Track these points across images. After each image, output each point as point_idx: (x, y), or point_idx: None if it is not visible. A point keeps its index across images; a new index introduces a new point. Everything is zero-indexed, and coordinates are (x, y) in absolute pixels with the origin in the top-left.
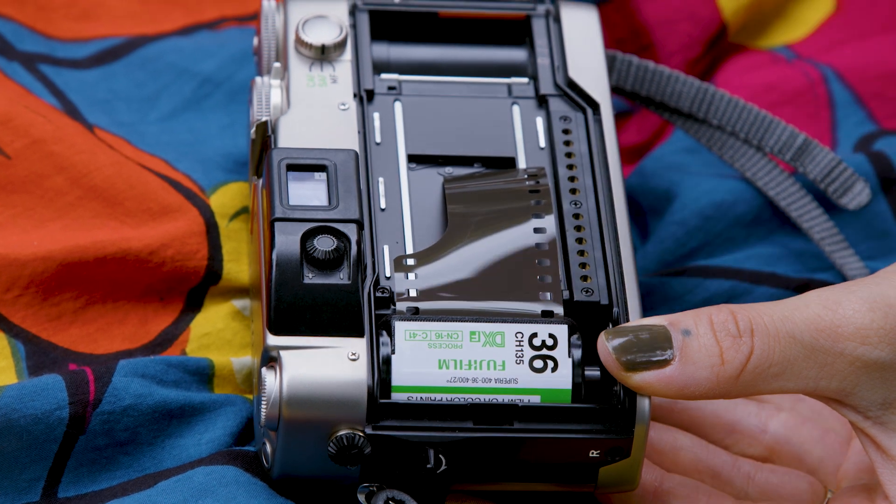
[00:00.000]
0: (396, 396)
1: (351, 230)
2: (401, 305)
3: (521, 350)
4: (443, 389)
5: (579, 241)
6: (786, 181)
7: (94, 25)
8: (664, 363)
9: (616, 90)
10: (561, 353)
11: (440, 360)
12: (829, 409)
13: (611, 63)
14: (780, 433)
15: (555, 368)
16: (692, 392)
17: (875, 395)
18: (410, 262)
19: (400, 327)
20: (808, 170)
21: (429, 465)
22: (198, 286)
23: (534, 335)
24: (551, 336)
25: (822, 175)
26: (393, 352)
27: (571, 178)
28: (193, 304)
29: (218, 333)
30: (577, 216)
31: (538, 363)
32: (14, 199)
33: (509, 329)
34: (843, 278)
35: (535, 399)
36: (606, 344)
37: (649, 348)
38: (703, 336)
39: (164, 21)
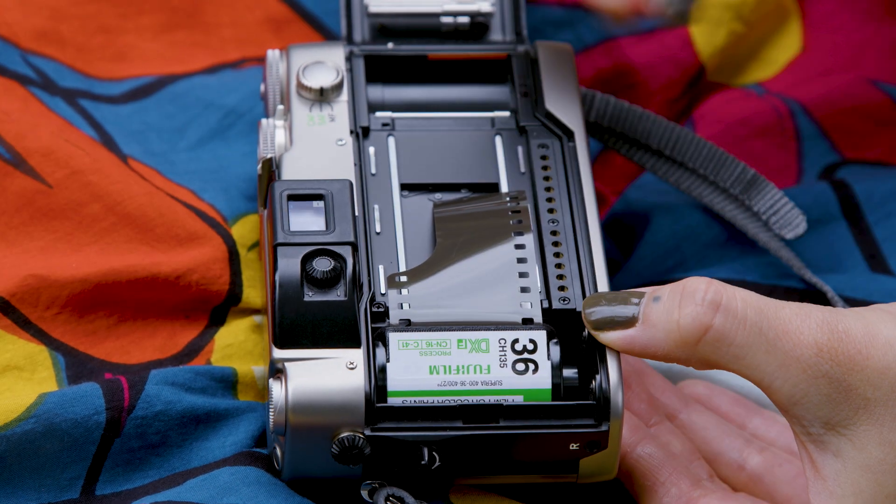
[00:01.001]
0: (392, 401)
1: (346, 251)
2: (394, 318)
3: (505, 355)
4: (434, 393)
5: (557, 254)
6: (742, 214)
7: (128, 66)
8: (629, 324)
9: (594, 126)
10: (541, 356)
11: (431, 366)
12: None
13: (591, 101)
14: (757, 470)
15: (535, 370)
16: (654, 352)
17: (820, 411)
18: (403, 279)
19: (394, 338)
20: (754, 202)
21: (423, 462)
22: (220, 305)
23: (515, 341)
24: (531, 341)
25: (765, 208)
26: (388, 360)
27: (549, 199)
28: (217, 321)
29: (240, 345)
30: (554, 233)
31: (520, 366)
32: (55, 225)
33: (493, 336)
34: (806, 284)
35: (519, 399)
36: (583, 308)
37: (613, 311)
38: (668, 302)
39: (190, 62)
